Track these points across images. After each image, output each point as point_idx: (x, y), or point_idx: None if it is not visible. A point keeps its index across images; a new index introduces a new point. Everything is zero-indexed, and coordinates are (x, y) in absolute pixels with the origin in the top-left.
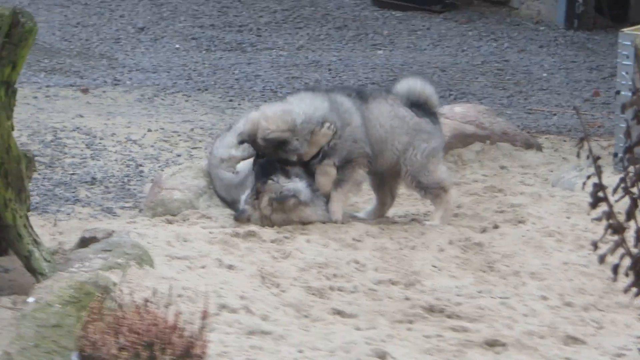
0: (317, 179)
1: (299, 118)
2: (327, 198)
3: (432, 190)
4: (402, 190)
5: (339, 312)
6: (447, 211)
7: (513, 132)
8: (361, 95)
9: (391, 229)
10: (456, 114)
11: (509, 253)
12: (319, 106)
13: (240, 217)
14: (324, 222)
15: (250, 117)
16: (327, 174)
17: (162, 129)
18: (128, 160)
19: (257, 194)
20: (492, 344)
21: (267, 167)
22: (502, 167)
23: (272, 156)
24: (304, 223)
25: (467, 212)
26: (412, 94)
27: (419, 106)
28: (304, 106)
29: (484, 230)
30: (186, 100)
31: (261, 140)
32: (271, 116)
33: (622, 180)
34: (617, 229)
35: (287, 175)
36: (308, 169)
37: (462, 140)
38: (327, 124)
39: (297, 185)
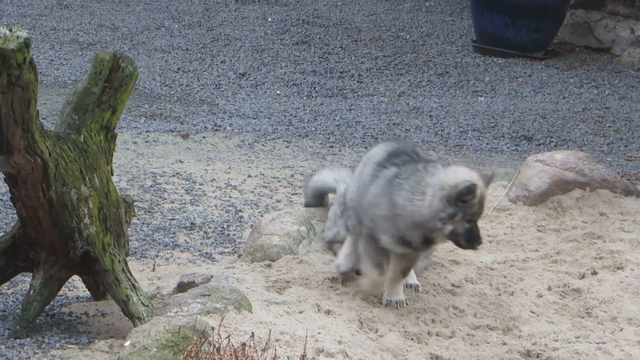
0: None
1: None
2: None
3: None
4: (502, 237)
5: (436, 357)
6: None
7: (613, 179)
8: None
9: (490, 275)
10: (556, 161)
11: (607, 299)
12: None
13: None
14: None
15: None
16: None
17: (262, 174)
18: (227, 205)
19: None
20: None
21: None
22: (602, 214)
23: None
24: None
25: (566, 259)
26: None
27: None
28: None
29: (582, 277)
30: (286, 146)
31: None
32: None
33: None
34: None
35: None
36: None
37: (561, 187)
38: None
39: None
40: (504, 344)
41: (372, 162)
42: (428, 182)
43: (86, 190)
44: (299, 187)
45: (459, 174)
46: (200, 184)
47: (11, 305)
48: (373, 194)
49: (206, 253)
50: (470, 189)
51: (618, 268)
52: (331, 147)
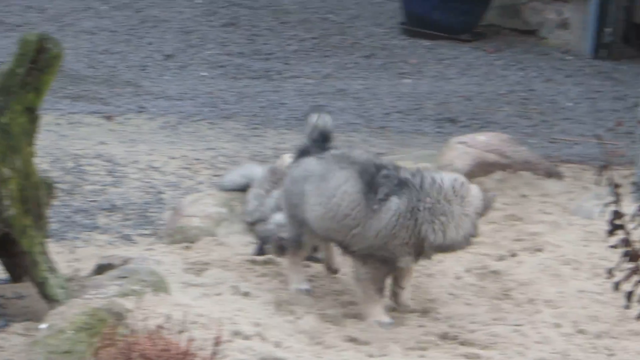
0: None
1: None
2: None
3: None
4: None
5: (353, 339)
6: None
7: (535, 161)
8: None
9: None
10: (479, 143)
11: (525, 281)
12: None
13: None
14: None
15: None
16: None
17: (185, 156)
18: (149, 187)
19: None
20: None
21: None
22: (523, 196)
23: None
24: None
25: (486, 240)
26: None
27: None
28: None
29: (501, 258)
30: (210, 128)
31: None
32: None
33: None
34: (633, 256)
35: None
36: None
37: (483, 168)
38: None
39: None
40: (421, 326)
41: (347, 193)
42: (461, 211)
43: (7, 171)
44: (221, 169)
45: (473, 188)
46: (122, 166)
47: None
48: (382, 228)
49: (126, 235)
50: (494, 199)
51: (537, 250)
52: (255, 128)
